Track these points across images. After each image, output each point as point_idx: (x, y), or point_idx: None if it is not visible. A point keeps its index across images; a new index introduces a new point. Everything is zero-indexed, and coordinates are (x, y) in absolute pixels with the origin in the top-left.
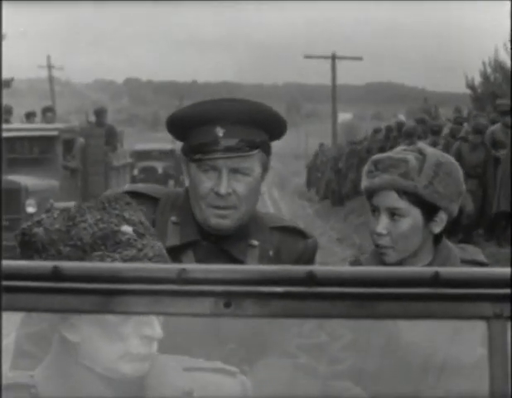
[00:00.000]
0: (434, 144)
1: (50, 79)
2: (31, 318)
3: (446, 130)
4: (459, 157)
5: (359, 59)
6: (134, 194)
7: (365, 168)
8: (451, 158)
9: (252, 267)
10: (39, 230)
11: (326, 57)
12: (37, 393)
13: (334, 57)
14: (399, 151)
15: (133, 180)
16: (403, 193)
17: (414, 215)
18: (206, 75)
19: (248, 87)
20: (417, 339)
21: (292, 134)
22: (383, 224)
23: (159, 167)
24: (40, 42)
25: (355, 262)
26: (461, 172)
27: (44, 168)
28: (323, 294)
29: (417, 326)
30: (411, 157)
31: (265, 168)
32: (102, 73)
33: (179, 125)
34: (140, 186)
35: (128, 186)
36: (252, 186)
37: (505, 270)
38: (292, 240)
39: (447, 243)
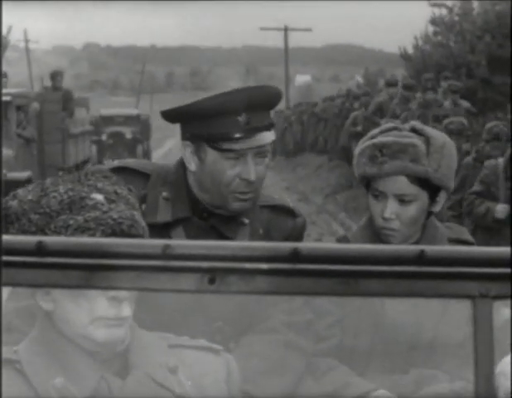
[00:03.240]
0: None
1: (27, 50)
2: (19, 293)
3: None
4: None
5: (309, 30)
6: (125, 170)
7: (367, 153)
8: (447, 136)
9: (237, 243)
10: (13, 203)
11: (279, 29)
12: (22, 368)
13: (286, 29)
14: (400, 134)
15: (102, 145)
16: (414, 179)
17: (422, 198)
18: (165, 39)
19: (207, 50)
20: (404, 317)
21: None
22: (391, 209)
23: (127, 132)
24: None
25: (343, 239)
26: (455, 148)
27: None
28: (308, 271)
29: (405, 304)
30: (418, 141)
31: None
32: (60, 39)
33: (200, 115)
34: (130, 162)
35: (117, 162)
36: (267, 165)
37: (491, 250)
38: (282, 219)
39: (435, 221)
